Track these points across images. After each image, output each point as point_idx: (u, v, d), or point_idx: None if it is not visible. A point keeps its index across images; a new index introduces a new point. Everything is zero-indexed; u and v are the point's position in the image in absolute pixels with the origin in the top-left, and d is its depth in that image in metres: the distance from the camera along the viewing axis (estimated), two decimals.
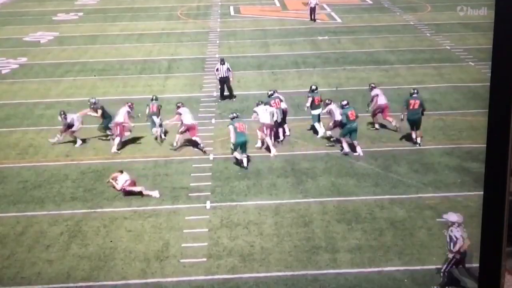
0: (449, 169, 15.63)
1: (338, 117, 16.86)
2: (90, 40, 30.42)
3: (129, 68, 25.19)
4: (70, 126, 17.51)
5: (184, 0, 41.63)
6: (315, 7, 33.13)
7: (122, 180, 14.56)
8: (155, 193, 14.59)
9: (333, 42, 28.91)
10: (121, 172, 14.72)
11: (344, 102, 16.78)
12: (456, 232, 10.43)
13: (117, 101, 19.92)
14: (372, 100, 18.25)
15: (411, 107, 16.98)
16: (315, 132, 18.17)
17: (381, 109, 18.17)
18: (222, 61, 21.14)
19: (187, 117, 17.16)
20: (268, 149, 17.01)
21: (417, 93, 17.21)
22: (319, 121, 18.08)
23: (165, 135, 17.78)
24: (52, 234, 13.10)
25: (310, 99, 17.96)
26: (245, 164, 15.98)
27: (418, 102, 16.95)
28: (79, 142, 17.62)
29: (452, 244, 10.43)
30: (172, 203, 14.35)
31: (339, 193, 14.53)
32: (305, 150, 17.12)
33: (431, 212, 13.49)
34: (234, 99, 21.21)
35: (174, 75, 24.75)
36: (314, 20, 33.25)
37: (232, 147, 15.95)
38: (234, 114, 16.46)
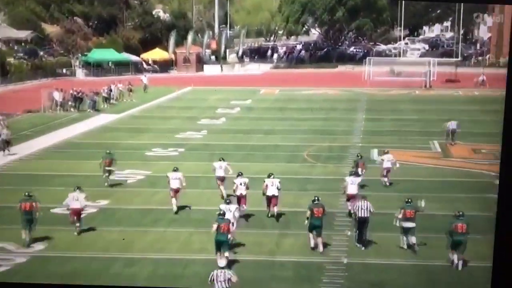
0: None
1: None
2: (191, 183, 24.17)
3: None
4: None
5: (312, 138, 35.90)
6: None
7: None
8: None
9: None
10: None
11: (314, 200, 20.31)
12: None
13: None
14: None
15: (459, 231, 18.61)
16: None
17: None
18: (364, 198, 20.48)
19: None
20: None
21: (463, 216, 18.93)
22: (407, 233, 19.57)
23: None
24: None
25: (402, 211, 19.53)
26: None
27: (465, 225, 18.69)
28: None
29: None
30: None
31: None
32: None
33: None
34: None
35: (291, 232, 21.03)
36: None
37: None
38: None
